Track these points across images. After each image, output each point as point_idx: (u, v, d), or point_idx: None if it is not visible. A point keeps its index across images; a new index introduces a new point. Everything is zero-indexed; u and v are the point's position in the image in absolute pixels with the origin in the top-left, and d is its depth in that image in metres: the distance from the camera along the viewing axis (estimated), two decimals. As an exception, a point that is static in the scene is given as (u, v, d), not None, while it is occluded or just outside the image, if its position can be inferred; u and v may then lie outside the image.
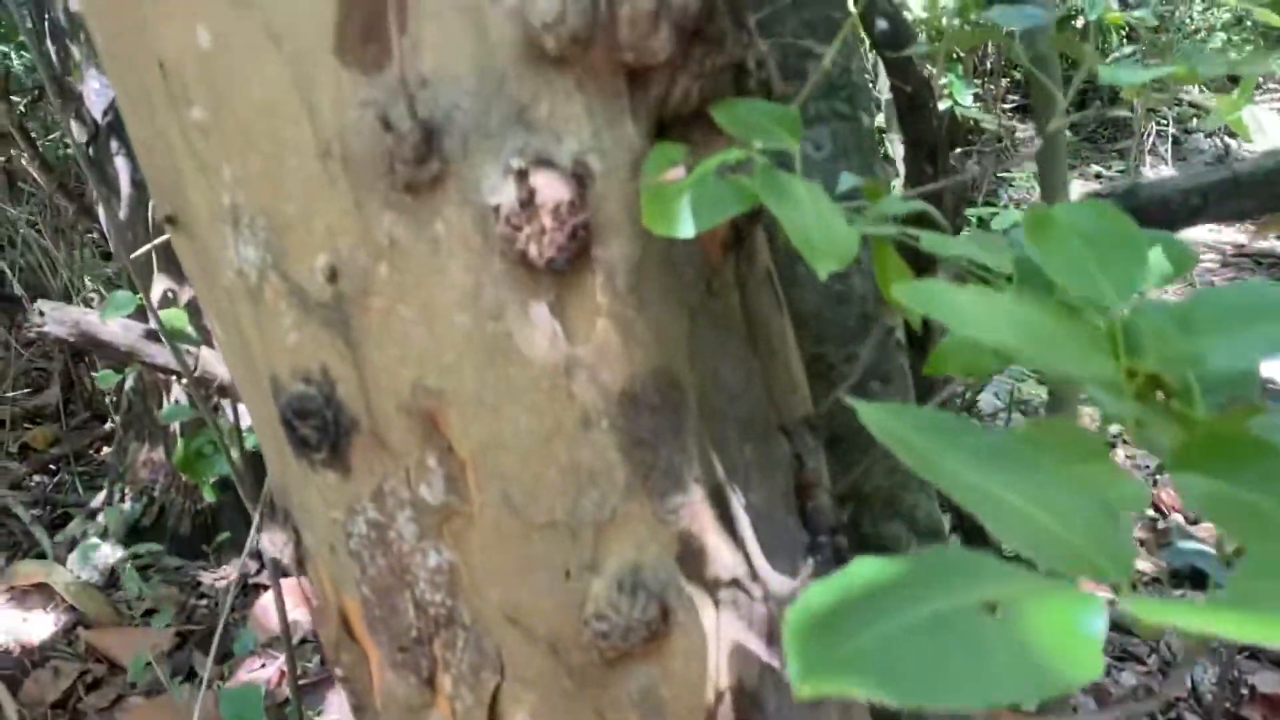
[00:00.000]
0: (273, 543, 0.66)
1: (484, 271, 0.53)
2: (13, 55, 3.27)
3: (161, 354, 1.62)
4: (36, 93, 3.10)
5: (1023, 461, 0.34)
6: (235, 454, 1.39)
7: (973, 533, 1.19)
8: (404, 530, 0.59)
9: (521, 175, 0.51)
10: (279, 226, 0.54)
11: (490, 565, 0.58)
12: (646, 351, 0.56)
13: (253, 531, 1.26)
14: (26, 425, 3.12)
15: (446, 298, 0.54)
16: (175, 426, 1.90)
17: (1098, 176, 5.50)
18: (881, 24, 1.16)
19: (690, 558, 0.58)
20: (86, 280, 2.50)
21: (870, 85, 2.79)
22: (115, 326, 1.55)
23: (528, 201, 0.51)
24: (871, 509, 1.01)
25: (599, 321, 0.54)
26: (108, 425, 3.02)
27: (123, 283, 2.71)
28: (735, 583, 0.60)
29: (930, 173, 1.07)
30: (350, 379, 0.56)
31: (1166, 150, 5.43)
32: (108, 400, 3.04)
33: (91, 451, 2.95)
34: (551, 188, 0.51)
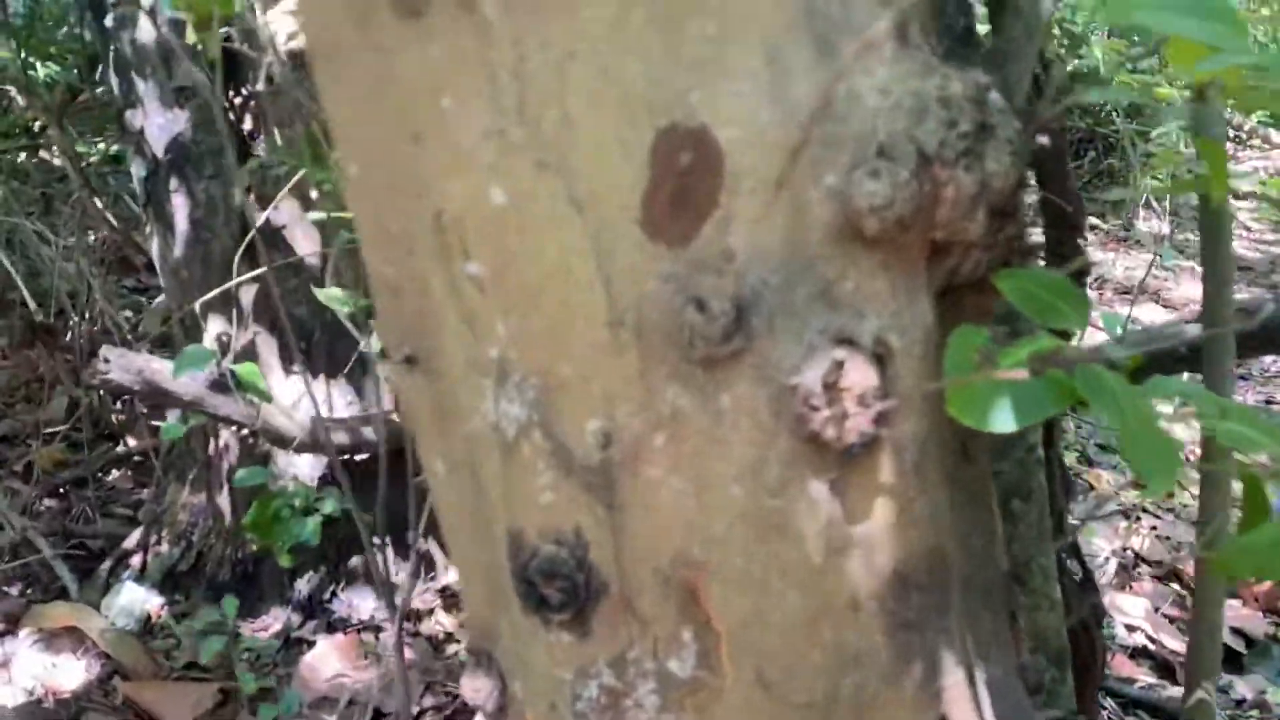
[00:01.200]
0: (473, 688, 0.64)
1: (769, 448, 0.51)
2: (38, 67, 3.23)
3: (226, 405, 1.59)
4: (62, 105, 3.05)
5: None
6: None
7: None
8: (644, 700, 0.56)
9: (826, 357, 0.49)
10: (552, 387, 0.52)
11: (735, 740, 0.56)
12: (921, 531, 0.54)
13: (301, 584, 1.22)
14: (29, 442, 3.04)
15: (723, 470, 0.51)
16: (223, 469, 1.86)
17: (1092, 228, 5.54)
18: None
19: (940, 739, 0.56)
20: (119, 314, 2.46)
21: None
22: (172, 374, 1.52)
23: (831, 384, 0.49)
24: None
25: (879, 501, 0.52)
26: (120, 448, 2.96)
27: (159, 319, 2.66)
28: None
29: (1069, 244, 1.02)
30: (605, 543, 0.54)
31: (1163, 204, 5.45)
32: (114, 419, 2.98)
33: (103, 476, 2.88)
34: (858, 371, 0.49)
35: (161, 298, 3.71)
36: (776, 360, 0.49)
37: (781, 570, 0.53)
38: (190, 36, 1.33)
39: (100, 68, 3.49)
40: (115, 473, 2.95)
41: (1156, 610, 2.19)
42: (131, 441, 3.03)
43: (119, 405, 3.15)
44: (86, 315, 2.54)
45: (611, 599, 0.55)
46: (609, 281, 0.49)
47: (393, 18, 0.49)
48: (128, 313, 2.66)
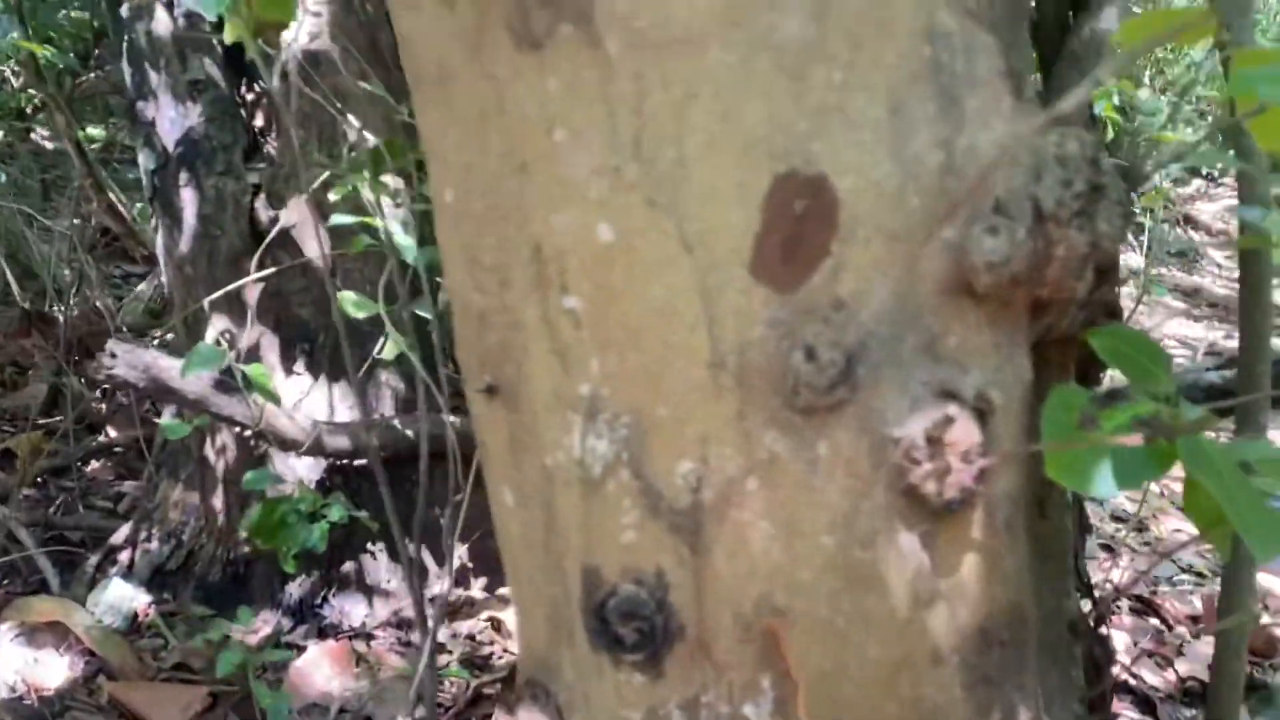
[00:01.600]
0: (528, 721, 0.63)
1: (864, 498, 0.50)
2: (38, 51, 3.18)
3: (230, 405, 1.57)
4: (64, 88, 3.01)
5: None
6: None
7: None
8: (716, 744, 0.55)
9: (931, 410, 0.48)
10: (645, 427, 0.51)
11: (806, 790, 0.55)
12: (1006, 587, 0.53)
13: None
14: (7, 429, 2.98)
15: (815, 518, 0.51)
16: (219, 468, 1.83)
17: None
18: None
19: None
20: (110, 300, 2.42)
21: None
22: (180, 372, 1.49)
23: (935, 438, 0.48)
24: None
25: (968, 556, 0.52)
26: (101, 437, 2.92)
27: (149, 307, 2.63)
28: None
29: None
30: (686, 585, 0.53)
31: (1139, 239, 5.48)
32: (96, 409, 2.93)
33: (83, 466, 2.84)
34: (963, 428, 0.48)
35: (143, 285, 3.67)
36: (880, 411, 0.49)
37: (865, 621, 0.52)
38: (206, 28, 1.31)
39: (97, 53, 3.45)
40: (95, 464, 2.91)
41: (1136, 645, 2.21)
42: (113, 432, 2.99)
43: (101, 395, 3.11)
44: (72, 303, 2.51)
45: (688, 642, 0.54)
46: (713, 323, 0.49)
47: (510, 48, 0.48)
48: (109, 301, 2.62)
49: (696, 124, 0.47)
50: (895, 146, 0.47)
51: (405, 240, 1.40)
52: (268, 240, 1.60)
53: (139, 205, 3.15)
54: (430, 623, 0.99)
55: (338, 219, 1.31)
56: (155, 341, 3.76)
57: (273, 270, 1.66)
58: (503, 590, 1.90)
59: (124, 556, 1.93)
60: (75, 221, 2.35)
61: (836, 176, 0.47)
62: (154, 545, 1.91)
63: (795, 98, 0.46)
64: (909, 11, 0.46)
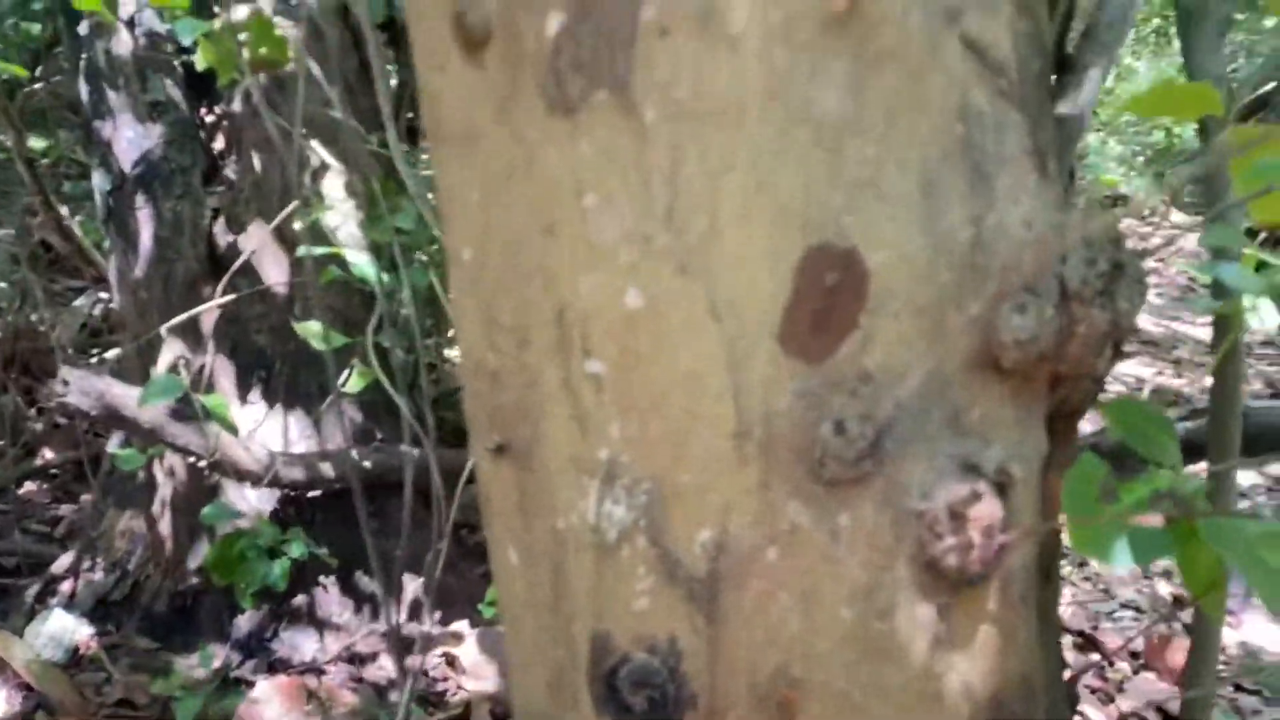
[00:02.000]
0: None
1: (885, 571, 0.50)
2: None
3: (184, 435, 1.53)
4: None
5: None
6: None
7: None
8: (725, 814, 0.55)
9: (954, 484, 0.48)
10: (665, 494, 0.51)
11: None
12: (1018, 658, 0.54)
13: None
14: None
15: (834, 590, 0.51)
16: (168, 495, 1.79)
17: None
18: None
19: None
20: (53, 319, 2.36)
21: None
22: (138, 402, 1.46)
23: (959, 513, 0.48)
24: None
25: (984, 628, 0.52)
26: (38, 461, 2.84)
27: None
28: None
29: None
30: (700, 654, 0.53)
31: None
32: (32, 430, 2.85)
33: (17, 489, 2.75)
34: (986, 502, 0.48)
35: (81, 299, 3.58)
36: (904, 484, 0.49)
37: (882, 693, 0.52)
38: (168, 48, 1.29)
39: (42, 67, 3.37)
40: (31, 485, 2.82)
41: (1077, 679, 2.24)
42: (49, 454, 2.91)
43: (38, 414, 3.03)
44: (11, 320, 2.44)
45: (699, 711, 0.54)
46: (739, 392, 0.48)
47: (542, 112, 0.47)
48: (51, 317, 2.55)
49: (731, 194, 0.46)
50: (927, 222, 0.47)
51: (370, 271, 1.38)
52: (232, 271, 1.57)
53: (79, 218, 3.08)
54: (409, 667, 0.97)
55: (305, 250, 1.29)
56: (95, 358, 3.67)
57: (231, 297, 1.63)
58: (456, 625, 1.88)
59: (65, 586, 1.87)
60: (17, 235, 2.28)
61: (868, 250, 0.47)
62: (97, 575, 1.86)
63: (830, 171, 0.46)
64: (943, 89, 0.46)
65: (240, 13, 1.67)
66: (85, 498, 2.66)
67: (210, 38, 1.07)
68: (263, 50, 1.04)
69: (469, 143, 0.50)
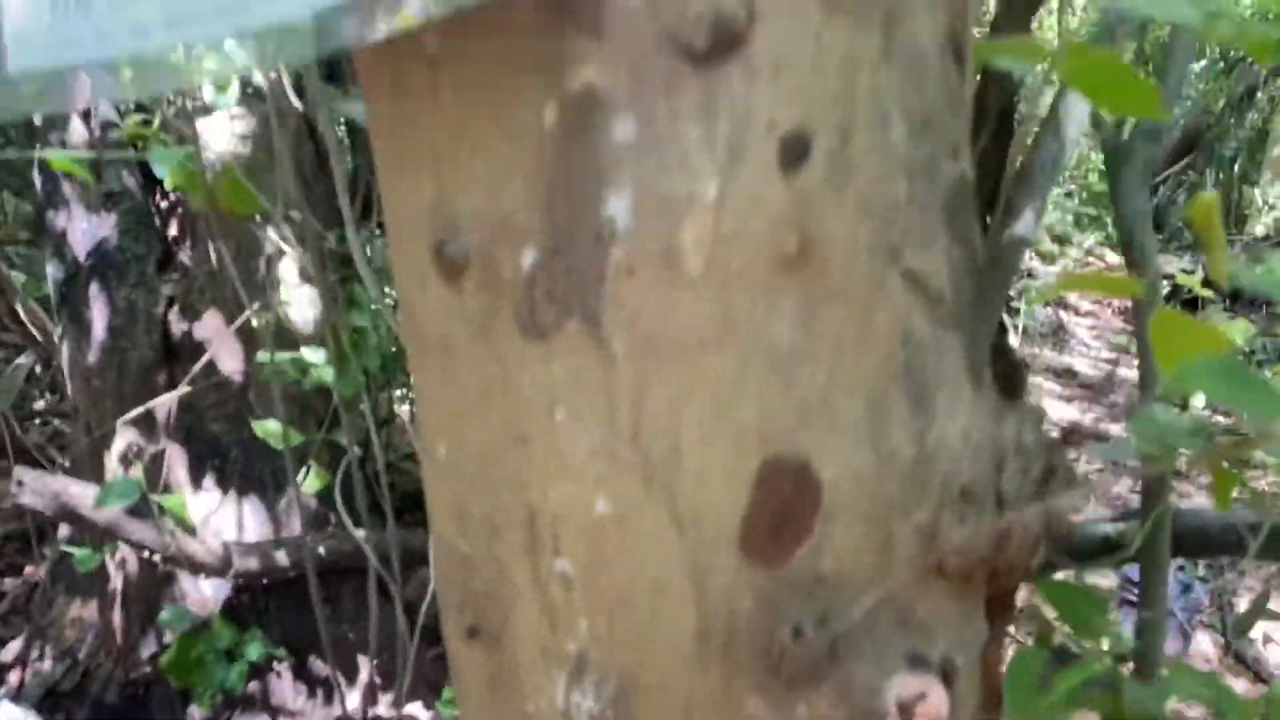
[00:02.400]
0: None
1: (838, 758, 0.53)
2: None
3: (140, 531, 1.53)
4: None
5: None
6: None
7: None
8: None
9: (903, 680, 0.52)
10: (631, 691, 0.54)
11: None
12: (963, 831, 0.57)
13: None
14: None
15: (791, 775, 0.54)
16: (119, 583, 1.77)
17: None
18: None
19: None
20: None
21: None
22: (95, 503, 1.46)
23: (908, 708, 0.52)
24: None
25: (930, 805, 0.55)
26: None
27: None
28: None
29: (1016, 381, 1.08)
30: (664, 833, 0.55)
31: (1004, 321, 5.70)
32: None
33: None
34: (936, 696, 0.52)
35: (20, 359, 3.53)
36: (858, 681, 0.52)
37: None
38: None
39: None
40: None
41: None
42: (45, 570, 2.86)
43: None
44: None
45: None
46: (701, 596, 0.52)
47: (517, 336, 0.50)
48: None
49: (692, 418, 0.50)
50: (874, 440, 0.51)
51: (329, 373, 1.40)
52: (194, 372, 1.58)
53: (23, 279, 3.05)
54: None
55: (264, 355, 1.31)
56: (37, 421, 3.62)
57: (187, 389, 1.64)
58: (410, 708, 1.88)
59: (13, 676, 1.84)
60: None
61: (819, 465, 0.51)
62: (47, 664, 1.83)
63: (784, 395, 0.50)
64: (886, 320, 0.50)
65: (217, 147, 1.70)
66: (28, 570, 2.62)
67: (181, 165, 1.09)
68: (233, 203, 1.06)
69: (447, 354, 0.53)
